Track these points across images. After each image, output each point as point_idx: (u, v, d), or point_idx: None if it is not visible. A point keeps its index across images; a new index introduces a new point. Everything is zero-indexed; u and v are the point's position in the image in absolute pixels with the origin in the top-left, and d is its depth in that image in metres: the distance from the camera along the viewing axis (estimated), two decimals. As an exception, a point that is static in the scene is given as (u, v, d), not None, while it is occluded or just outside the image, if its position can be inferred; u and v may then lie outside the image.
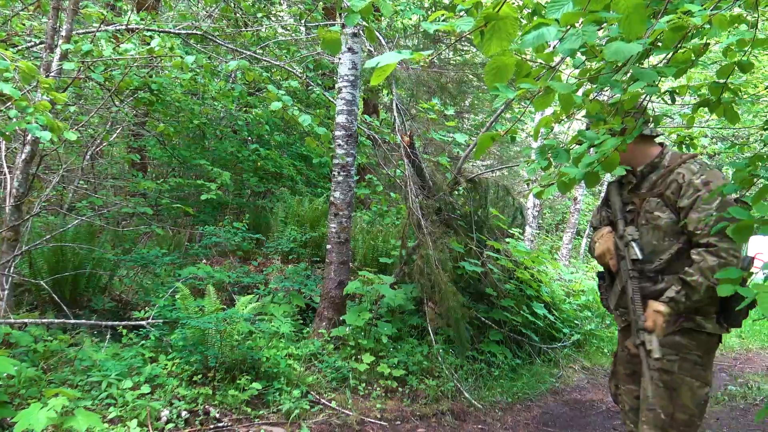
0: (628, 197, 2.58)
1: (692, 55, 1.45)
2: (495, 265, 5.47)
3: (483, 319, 5.19)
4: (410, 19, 7.09)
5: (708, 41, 1.47)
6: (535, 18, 2.03)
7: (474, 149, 5.57)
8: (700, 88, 2.68)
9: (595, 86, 1.27)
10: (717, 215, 2.23)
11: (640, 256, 2.38)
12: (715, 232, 2.22)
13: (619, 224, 2.53)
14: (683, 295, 2.29)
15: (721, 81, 1.88)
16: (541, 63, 1.35)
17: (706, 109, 2.21)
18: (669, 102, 2.52)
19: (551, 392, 4.92)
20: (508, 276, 5.67)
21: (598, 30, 1.18)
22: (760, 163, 1.74)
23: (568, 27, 1.10)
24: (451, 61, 8.89)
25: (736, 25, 1.69)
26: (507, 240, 6.02)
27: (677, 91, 2.44)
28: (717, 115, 2.12)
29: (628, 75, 1.25)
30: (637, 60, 1.27)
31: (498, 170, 8.86)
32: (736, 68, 1.82)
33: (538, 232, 11.60)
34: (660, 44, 1.27)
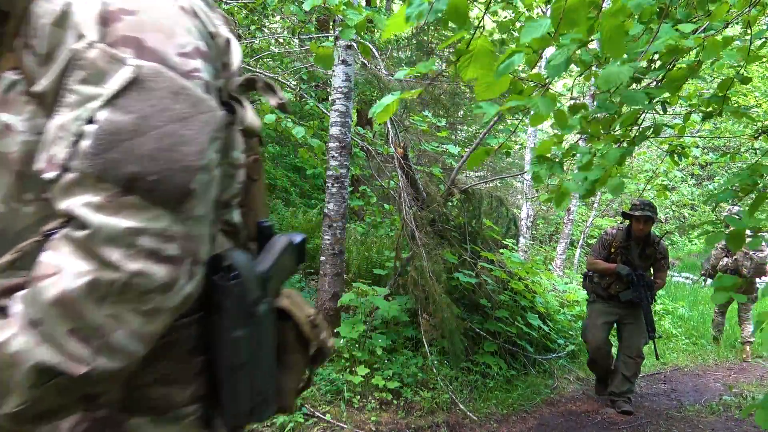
0: None
1: (686, 72, 1.48)
2: (489, 276, 5.47)
3: (477, 330, 5.18)
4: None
5: (701, 60, 1.50)
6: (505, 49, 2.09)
7: (467, 161, 5.60)
8: (691, 98, 2.69)
9: (591, 111, 1.31)
10: (101, 137, 0.66)
11: None
12: (102, 174, 0.65)
13: None
14: None
15: (721, 95, 1.90)
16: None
17: (696, 118, 2.24)
18: (660, 112, 2.54)
19: (546, 403, 4.91)
20: (503, 287, 5.66)
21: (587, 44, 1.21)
22: (760, 173, 1.73)
23: (540, 51, 1.16)
24: (444, 73, 8.93)
25: (729, 47, 1.72)
26: (501, 251, 6.02)
27: (668, 101, 2.46)
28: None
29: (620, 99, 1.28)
30: (631, 83, 1.30)
31: (491, 181, 8.93)
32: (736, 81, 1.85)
33: (531, 242, 11.60)
34: (658, 61, 1.32)
